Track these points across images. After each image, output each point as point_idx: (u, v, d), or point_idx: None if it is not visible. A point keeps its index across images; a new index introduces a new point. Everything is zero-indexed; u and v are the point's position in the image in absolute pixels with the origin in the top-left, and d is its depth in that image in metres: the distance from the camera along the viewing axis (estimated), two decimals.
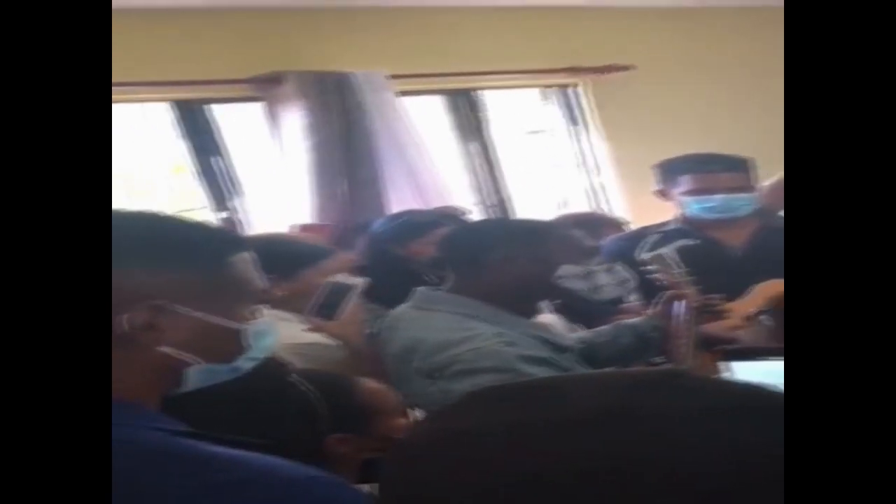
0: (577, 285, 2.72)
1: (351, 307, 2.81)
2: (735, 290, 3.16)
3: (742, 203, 3.63)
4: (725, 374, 1.33)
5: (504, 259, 2.67)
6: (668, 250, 3.11)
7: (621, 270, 2.87)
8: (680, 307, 2.91)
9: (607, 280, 2.78)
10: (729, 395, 0.83)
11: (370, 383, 2.17)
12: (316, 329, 2.79)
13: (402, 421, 2.16)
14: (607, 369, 2.74)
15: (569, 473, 0.74)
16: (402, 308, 2.76)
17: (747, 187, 3.66)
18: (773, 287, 3.27)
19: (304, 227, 4.50)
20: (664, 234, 3.55)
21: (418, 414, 2.38)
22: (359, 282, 2.88)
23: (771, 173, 3.94)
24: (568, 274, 2.69)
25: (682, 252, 3.11)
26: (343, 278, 2.87)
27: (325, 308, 2.80)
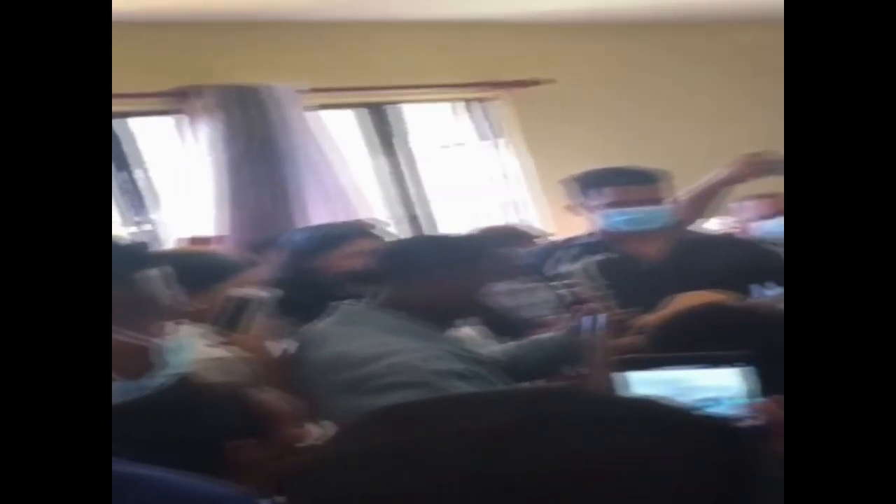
0: (505, 303, 2.73)
1: (256, 320, 2.77)
2: (652, 303, 3.18)
3: (658, 215, 3.66)
4: (620, 385, 1.34)
5: (438, 275, 2.67)
6: (585, 264, 3.12)
7: (546, 289, 2.88)
8: (596, 321, 2.92)
9: (533, 299, 2.80)
10: (626, 408, 0.85)
11: (265, 393, 2.17)
12: (222, 343, 2.75)
13: (303, 430, 2.15)
14: (516, 385, 2.75)
15: (474, 488, 0.74)
16: (325, 323, 2.75)
17: (663, 200, 3.69)
18: (690, 299, 3.30)
19: (194, 240, 4.47)
20: (582, 246, 3.56)
21: (328, 428, 2.37)
22: (263, 295, 2.84)
23: (684, 186, 3.98)
24: (496, 292, 2.70)
25: (600, 265, 3.13)
26: (246, 291, 2.83)
27: (230, 322, 2.75)
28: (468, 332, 3.07)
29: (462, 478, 0.75)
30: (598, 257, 3.21)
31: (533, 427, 0.78)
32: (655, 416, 0.82)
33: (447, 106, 6.15)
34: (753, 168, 3.95)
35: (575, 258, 3.21)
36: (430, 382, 2.44)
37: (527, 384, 2.86)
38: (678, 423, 0.82)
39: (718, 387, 1.30)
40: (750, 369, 1.27)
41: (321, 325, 2.75)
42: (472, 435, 0.78)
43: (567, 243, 3.80)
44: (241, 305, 2.77)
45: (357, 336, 2.63)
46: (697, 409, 0.85)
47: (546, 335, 3.07)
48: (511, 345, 3.09)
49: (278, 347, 2.85)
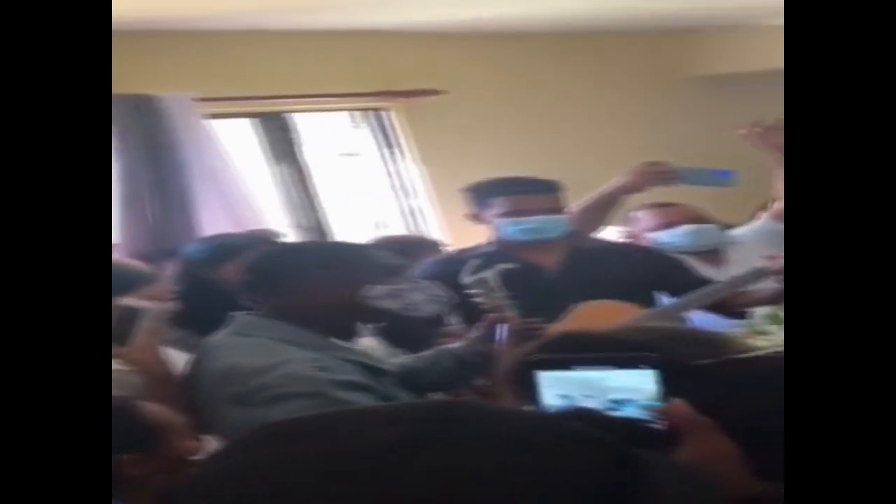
0: (390, 305, 2.71)
1: (145, 332, 2.70)
2: (551, 312, 3.20)
3: (555, 225, 3.69)
4: (530, 385, 1.34)
5: (310, 282, 2.65)
6: (489, 274, 3.13)
7: (432, 287, 2.87)
8: (501, 331, 2.93)
9: (419, 297, 2.78)
10: (519, 423, 0.84)
11: (153, 406, 2.14)
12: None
13: (192, 444, 2.12)
14: (411, 399, 2.74)
15: None
16: (221, 334, 2.71)
17: (558, 209, 3.72)
18: (591, 309, 3.33)
19: None
20: (485, 256, 3.55)
21: (214, 442, 2.35)
22: (153, 306, 2.78)
23: (579, 196, 4.02)
24: (377, 294, 2.69)
25: (503, 275, 3.14)
26: (134, 302, 2.75)
27: (116, 334, 2.67)
28: (369, 343, 3.07)
29: (350, 495, 0.74)
30: (504, 267, 3.22)
31: (424, 444, 0.77)
32: (549, 433, 0.82)
33: (346, 115, 6.14)
34: (650, 177, 4.00)
35: (480, 268, 3.22)
36: (324, 393, 2.42)
37: (428, 398, 2.86)
38: (573, 439, 0.81)
39: (629, 388, 1.31)
40: (655, 372, 1.28)
41: (218, 337, 2.72)
42: (361, 451, 0.77)
43: (465, 253, 3.82)
44: (129, 317, 2.70)
45: (251, 346, 2.61)
46: (595, 425, 0.85)
47: (449, 346, 3.07)
48: (414, 356, 3.09)
49: (179, 360, 2.80)
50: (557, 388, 1.33)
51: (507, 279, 3.14)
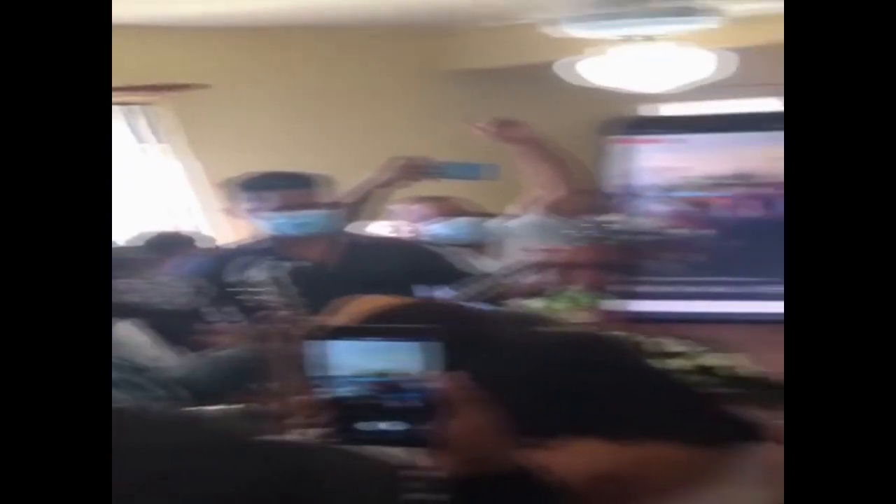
0: (136, 299, 2.67)
1: None
2: (316, 308, 3.20)
3: (319, 219, 3.69)
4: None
5: None
6: (271, 273, 3.11)
7: (179, 282, 2.84)
8: (279, 328, 2.91)
9: (166, 292, 2.75)
10: (193, 432, 0.86)
11: None
12: None
13: None
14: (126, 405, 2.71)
15: None
16: None
17: (319, 204, 3.72)
18: (365, 303, 3.34)
19: None
20: (254, 252, 3.52)
21: None
22: None
23: (344, 190, 4.04)
24: (122, 289, 2.64)
25: (283, 271, 3.13)
26: None
27: None
28: (137, 339, 3.01)
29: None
30: (289, 265, 3.20)
31: (136, 451, 0.79)
32: (222, 440, 0.84)
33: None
34: (405, 172, 4.05)
35: (257, 266, 3.19)
36: None
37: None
38: (247, 447, 0.84)
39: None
40: (437, 345, 1.31)
41: None
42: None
43: (238, 249, 3.78)
44: None
45: None
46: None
47: (222, 352, 3.03)
48: (186, 366, 3.04)
49: None
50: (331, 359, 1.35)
51: (276, 276, 3.13)
